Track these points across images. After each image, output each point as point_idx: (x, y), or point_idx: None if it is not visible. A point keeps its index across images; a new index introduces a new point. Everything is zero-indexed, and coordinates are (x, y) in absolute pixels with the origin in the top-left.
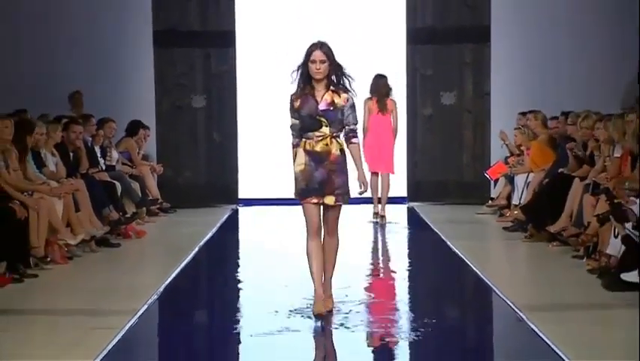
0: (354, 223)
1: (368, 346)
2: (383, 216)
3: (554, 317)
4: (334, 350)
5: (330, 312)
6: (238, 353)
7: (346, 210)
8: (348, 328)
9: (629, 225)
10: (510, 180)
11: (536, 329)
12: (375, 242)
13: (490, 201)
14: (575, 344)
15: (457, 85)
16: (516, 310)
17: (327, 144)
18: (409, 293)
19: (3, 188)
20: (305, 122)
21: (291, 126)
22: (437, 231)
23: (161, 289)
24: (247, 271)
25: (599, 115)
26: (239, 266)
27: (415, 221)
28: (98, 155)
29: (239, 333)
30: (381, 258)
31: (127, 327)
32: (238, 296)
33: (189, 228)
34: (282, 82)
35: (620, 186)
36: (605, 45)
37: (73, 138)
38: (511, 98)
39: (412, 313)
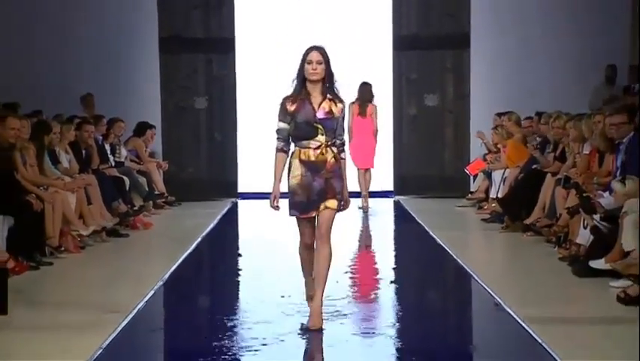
0: (343, 214)
1: (354, 324)
2: (367, 206)
3: (529, 301)
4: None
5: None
6: (237, 335)
7: None
8: (339, 312)
9: (597, 216)
10: (488, 175)
11: (511, 312)
12: (364, 232)
13: (469, 195)
14: (547, 324)
15: (439, 88)
16: (493, 294)
17: (322, 153)
18: (394, 279)
19: (21, 183)
20: (301, 129)
21: (278, 130)
22: (421, 222)
23: (167, 276)
24: (246, 260)
25: (569, 115)
26: (239, 255)
27: (400, 213)
28: (108, 152)
29: (238, 317)
30: (369, 247)
31: (135, 311)
32: (238, 283)
33: (192, 220)
34: (278, 85)
35: (589, 181)
36: (576, 52)
37: (86, 137)
38: (488, 99)
39: (395, 296)
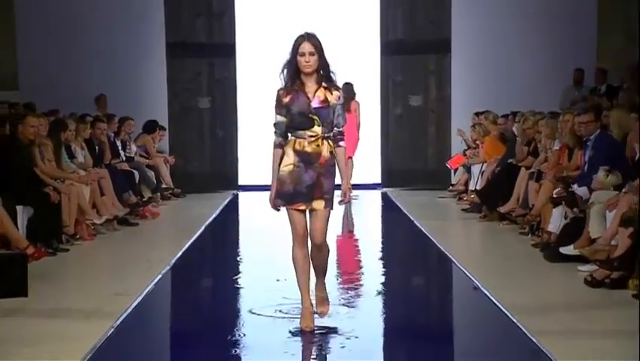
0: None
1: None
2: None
3: (504, 284)
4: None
5: (325, 313)
6: (237, 314)
7: None
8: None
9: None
10: (467, 169)
11: (488, 294)
12: (352, 221)
13: (450, 187)
14: (520, 304)
15: (423, 89)
16: (472, 278)
17: (318, 145)
18: (380, 263)
19: (39, 176)
20: (295, 120)
21: (275, 124)
22: (406, 212)
23: (173, 261)
24: (246, 247)
25: (541, 114)
26: (239, 242)
27: (387, 203)
28: (119, 148)
29: (239, 298)
30: (357, 234)
31: (144, 293)
32: (238, 267)
33: (196, 210)
34: (275, 86)
35: (559, 174)
36: (548, 57)
37: (99, 134)
38: (467, 100)
39: (380, 278)
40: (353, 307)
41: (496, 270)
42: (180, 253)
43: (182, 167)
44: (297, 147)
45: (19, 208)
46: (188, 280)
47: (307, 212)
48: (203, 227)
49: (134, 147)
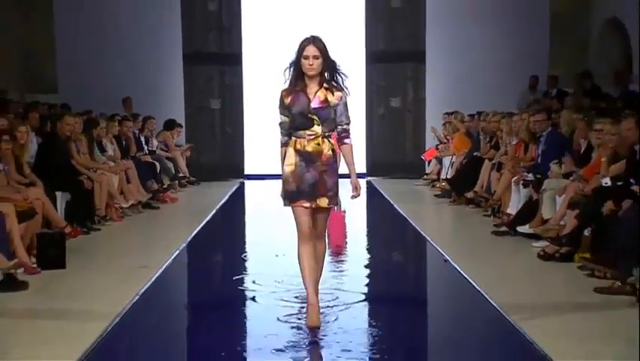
0: None
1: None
2: None
3: (470, 258)
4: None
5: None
6: (243, 284)
7: None
8: None
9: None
10: (439, 160)
11: (456, 266)
12: (341, 204)
13: (425, 176)
14: (483, 272)
15: (402, 93)
16: (442, 252)
17: (318, 144)
18: (365, 239)
19: (75, 167)
20: (296, 120)
21: (280, 124)
22: (387, 197)
23: (189, 239)
24: (251, 227)
25: (502, 114)
26: (245, 223)
27: (371, 190)
28: (143, 143)
29: (245, 270)
30: (346, 216)
31: (164, 266)
32: (244, 244)
33: (209, 196)
34: (276, 90)
35: (517, 165)
36: (508, 65)
37: (125, 131)
38: (439, 102)
39: (365, 252)
40: (340, 271)
41: (463, 246)
42: (195, 232)
43: (197, 159)
44: (298, 146)
45: (58, 194)
46: (201, 255)
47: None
48: (214, 210)
49: (155, 142)
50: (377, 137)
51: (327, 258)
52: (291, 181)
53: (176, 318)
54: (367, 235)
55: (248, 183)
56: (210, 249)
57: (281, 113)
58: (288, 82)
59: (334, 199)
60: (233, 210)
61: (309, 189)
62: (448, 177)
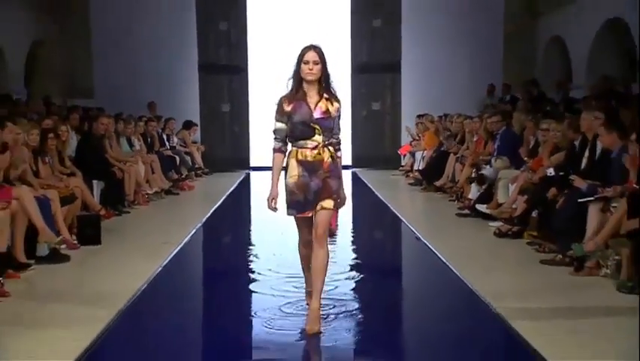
0: None
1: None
2: None
3: (437, 235)
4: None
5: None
6: (249, 257)
7: None
8: None
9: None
10: (412, 155)
11: (430, 245)
12: None
13: (400, 168)
14: (449, 249)
15: (381, 98)
16: (415, 231)
17: (319, 153)
18: (350, 219)
19: (109, 160)
20: (297, 130)
21: (275, 130)
22: (369, 185)
23: (204, 219)
24: (255, 210)
25: (464, 116)
26: (250, 207)
27: (355, 180)
28: (165, 140)
29: (251, 247)
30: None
31: (183, 242)
32: (250, 225)
33: (220, 184)
34: (276, 96)
35: (477, 158)
36: (469, 75)
37: (150, 130)
38: (412, 106)
39: (350, 231)
40: (331, 244)
41: (431, 225)
42: (208, 215)
43: (210, 153)
44: (300, 157)
45: (94, 182)
46: (214, 234)
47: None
48: (224, 196)
49: (175, 139)
50: (360, 135)
51: None
52: (297, 192)
53: (193, 285)
54: (352, 217)
55: (253, 174)
56: (221, 228)
57: (277, 120)
58: (289, 90)
59: (339, 202)
60: (241, 196)
61: (315, 197)
62: (420, 168)
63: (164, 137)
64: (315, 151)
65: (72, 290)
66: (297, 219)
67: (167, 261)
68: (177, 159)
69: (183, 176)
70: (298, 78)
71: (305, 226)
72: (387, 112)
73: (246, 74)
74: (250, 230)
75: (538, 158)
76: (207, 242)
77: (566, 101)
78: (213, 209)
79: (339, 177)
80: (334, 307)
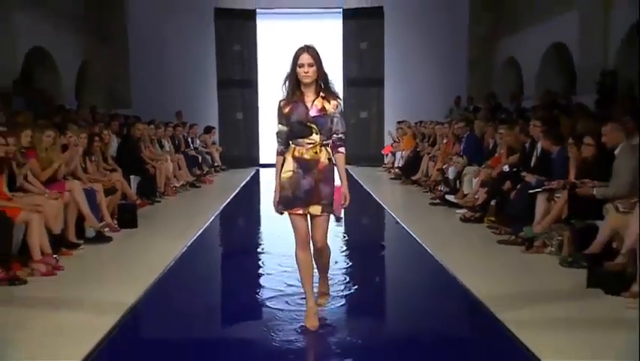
0: None
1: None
2: None
3: (413, 220)
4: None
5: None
6: (260, 245)
7: None
8: None
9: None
10: (393, 154)
11: (407, 228)
12: None
13: (383, 165)
14: (422, 231)
15: (368, 108)
16: (395, 217)
17: (316, 152)
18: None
19: (143, 158)
20: (295, 129)
21: (277, 133)
22: (357, 179)
23: (221, 208)
24: (264, 201)
25: (436, 122)
26: (260, 198)
27: (347, 176)
28: (190, 142)
29: (260, 233)
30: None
31: (203, 227)
32: (259, 213)
33: (235, 179)
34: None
35: (446, 157)
36: (441, 88)
37: (177, 134)
38: (393, 114)
39: (340, 218)
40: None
41: (408, 212)
42: (225, 204)
43: (226, 153)
44: (297, 154)
45: (132, 177)
46: (229, 220)
47: (308, 216)
48: (238, 189)
49: (198, 142)
50: (350, 137)
51: None
52: (287, 187)
53: (212, 261)
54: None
55: (262, 170)
56: (236, 215)
57: (279, 123)
58: (285, 93)
59: (327, 208)
60: (252, 189)
61: (304, 196)
62: (400, 165)
63: (189, 140)
64: (312, 150)
65: (114, 265)
66: (291, 219)
67: (190, 242)
68: (199, 158)
69: (204, 172)
70: (295, 80)
71: (300, 226)
72: (373, 119)
73: (256, 87)
74: (259, 217)
75: (495, 157)
76: (224, 227)
77: (518, 110)
78: (229, 200)
79: (332, 183)
80: (331, 278)
